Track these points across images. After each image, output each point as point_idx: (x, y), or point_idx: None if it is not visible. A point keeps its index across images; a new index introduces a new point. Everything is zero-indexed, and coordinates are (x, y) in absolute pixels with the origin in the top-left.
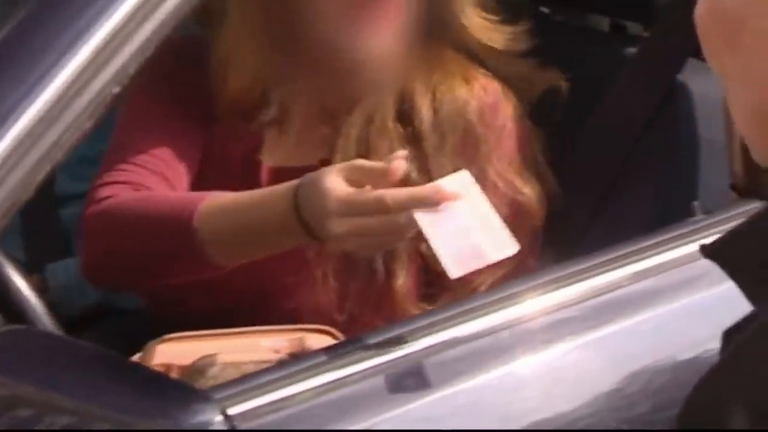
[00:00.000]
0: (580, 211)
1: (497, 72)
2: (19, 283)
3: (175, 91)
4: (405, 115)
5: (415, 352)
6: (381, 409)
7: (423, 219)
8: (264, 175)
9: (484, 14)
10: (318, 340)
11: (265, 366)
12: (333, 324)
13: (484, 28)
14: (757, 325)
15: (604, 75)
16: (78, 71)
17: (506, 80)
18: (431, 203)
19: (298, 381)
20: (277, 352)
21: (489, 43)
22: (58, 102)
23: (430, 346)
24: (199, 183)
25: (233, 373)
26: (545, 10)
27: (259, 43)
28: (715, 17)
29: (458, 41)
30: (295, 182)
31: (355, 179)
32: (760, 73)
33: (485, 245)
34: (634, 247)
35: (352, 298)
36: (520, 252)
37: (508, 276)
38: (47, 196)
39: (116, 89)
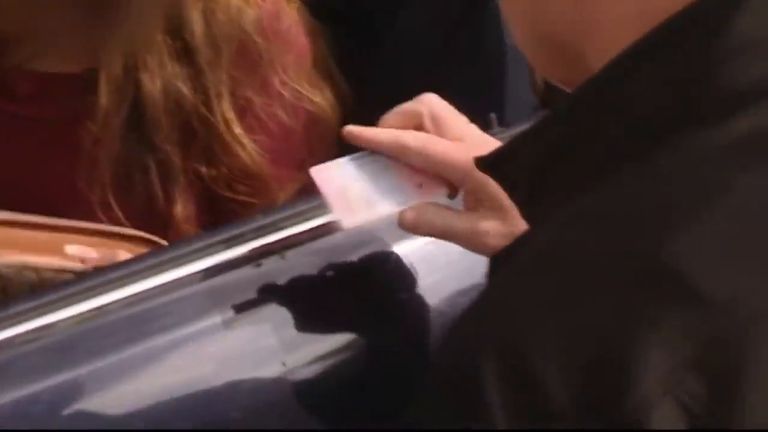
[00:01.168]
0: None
1: None
2: None
3: None
4: (176, 28)
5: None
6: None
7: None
8: (16, 81)
9: None
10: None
11: (65, 277)
12: None
13: None
14: (517, 244)
15: None
16: None
17: None
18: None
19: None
20: (82, 262)
21: None
22: None
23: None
24: None
25: (29, 280)
26: None
27: None
28: None
29: None
30: None
31: None
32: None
33: (376, 197)
34: None
35: (130, 224)
36: (316, 162)
37: (305, 190)
38: None
39: None
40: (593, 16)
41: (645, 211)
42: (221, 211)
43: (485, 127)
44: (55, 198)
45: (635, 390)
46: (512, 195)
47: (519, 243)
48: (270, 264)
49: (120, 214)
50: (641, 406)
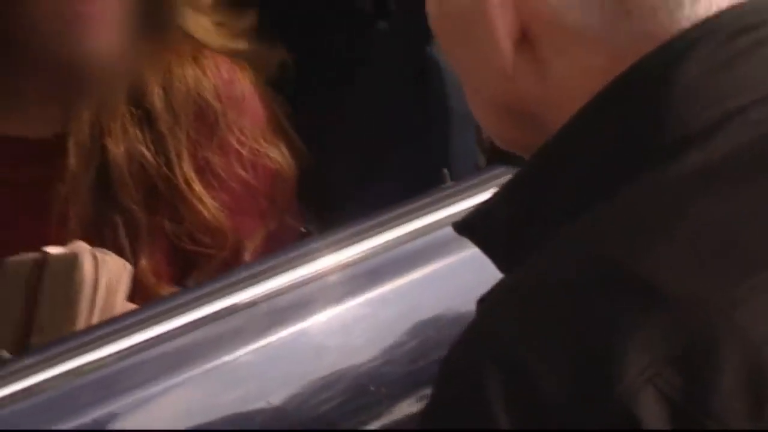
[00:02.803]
0: (341, 179)
1: (228, 51)
2: None
3: None
4: (137, 98)
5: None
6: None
7: None
8: None
9: (216, 21)
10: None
11: None
12: None
13: (204, 29)
14: (497, 286)
15: (364, 50)
16: None
17: (239, 58)
18: None
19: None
20: None
21: (206, 42)
22: None
23: (211, 314)
24: None
25: None
26: None
27: None
28: (443, 20)
29: (179, 38)
30: None
31: None
32: (488, 69)
33: None
34: (391, 214)
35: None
36: (278, 212)
37: (271, 239)
38: None
39: None
40: (555, 90)
41: (616, 235)
42: (188, 262)
43: (439, 181)
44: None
45: (620, 382)
46: (488, 254)
47: (497, 287)
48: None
49: None
50: (627, 395)
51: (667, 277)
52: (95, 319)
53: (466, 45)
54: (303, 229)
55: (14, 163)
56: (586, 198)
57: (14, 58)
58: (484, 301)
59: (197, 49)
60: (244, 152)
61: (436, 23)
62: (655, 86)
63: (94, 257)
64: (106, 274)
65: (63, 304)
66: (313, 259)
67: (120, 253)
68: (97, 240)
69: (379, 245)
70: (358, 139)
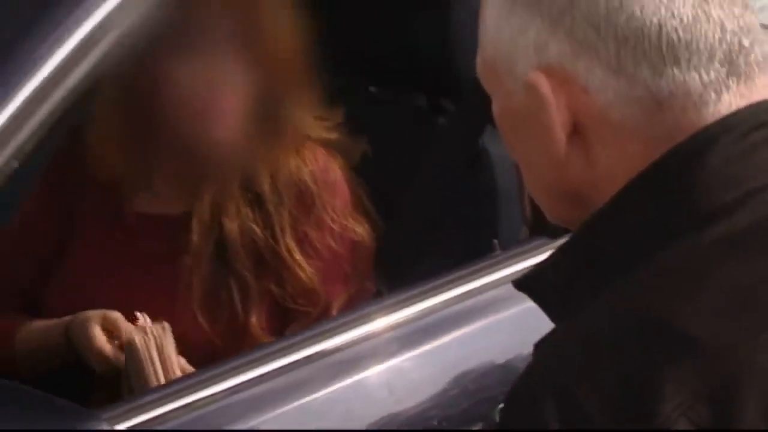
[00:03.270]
0: (407, 248)
1: (323, 142)
2: None
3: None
4: (249, 182)
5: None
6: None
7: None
8: (132, 220)
9: (315, 116)
10: None
11: None
12: (200, 356)
13: (306, 124)
14: (552, 333)
15: (426, 141)
16: None
17: (332, 147)
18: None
19: (173, 400)
20: None
21: (307, 134)
22: None
23: (290, 364)
24: (73, 239)
25: None
26: (373, 89)
27: (122, 133)
28: (506, 117)
29: (286, 132)
30: (66, 320)
31: (109, 327)
32: (545, 159)
33: None
34: (450, 277)
35: (217, 334)
36: (359, 277)
37: (351, 299)
38: None
39: (15, 164)
40: (601, 173)
41: (655, 293)
42: (287, 318)
43: (490, 250)
44: (152, 315)
45: (659, 413)
46: (542, 306)
47: (551, 333)
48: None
49: (206, 325)
50: (664, 425)
51: (697, 328)
52: (158, 371)
53: (526, 138)
54: (376, 290)
55: (152, 236)
56: (628, 261)
57: (155, 144)
58: (540, 346)
59: (299, 139)
60: (335, 227)
61: (500, 120)
62: (685, 170)
63: (143, 331)
64: (153, 339)
65: (136, 372)
66: (385, 314)
67: (233, 311)
68: (214, 301)
69: (440, 303)
70: (422, 215)
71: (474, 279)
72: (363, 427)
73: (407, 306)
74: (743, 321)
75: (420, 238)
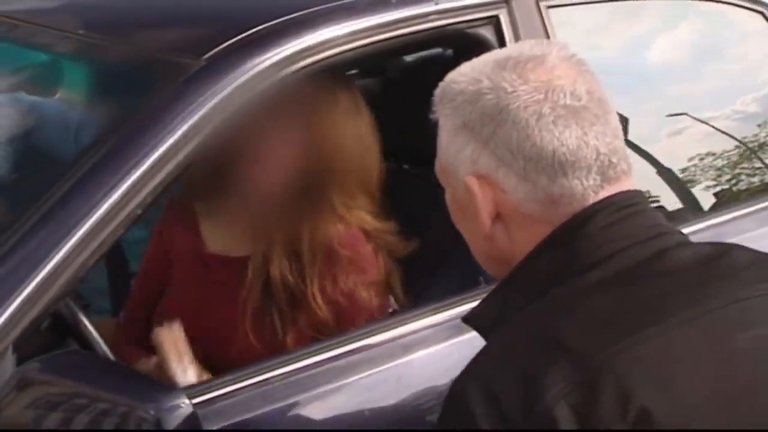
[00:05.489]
0: (418, 279)
1: (365, 228)
2: (86, 322)
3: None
4: (291, 240)
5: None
6: (300, 393)
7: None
8: (212, 259)
9: (359, 205)
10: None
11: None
12: (248, 364)
13: (355, 220)
14: (483, 347)
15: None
16: (112, 207)
17: (373, 236)
18: None
19: (243, 379)
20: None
21: (345, 217)
22: (105, 219)
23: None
24: (180, 274)
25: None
26: (406, 166)
27: (206, 197)
28: (453, 204)
29: (330, 209)
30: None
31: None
32: (477, 234)
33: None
34: (448, 301)
35: (262, 348)
36: (356, 322)
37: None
38: (121, 258)
39: (138, 211)
40: (517, 245)
41: (546, 316)
42: (309, 340)
43: (477, 284)
44: (218, 333)
45: (544, 399)
46: (483, 337)
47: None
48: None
49: (255, 342)
50: (547, 407)
51: (572, 340)
52: (173, 356)
53: (465, 219)
54: (391, 310)
55: (223, 272)
56: (533, 296)
57: (227, 206)
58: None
59: (336, 217)
60: (344, 288)
61: (450, 205)
62: (571, 237)
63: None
64: (167, 334)
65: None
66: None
67: (274, 332)
68: (260, 324)
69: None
70: (435, 269)
71: (463, 304)
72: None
73: (419, 318)
74: (604, 334)
75: (429, 272)
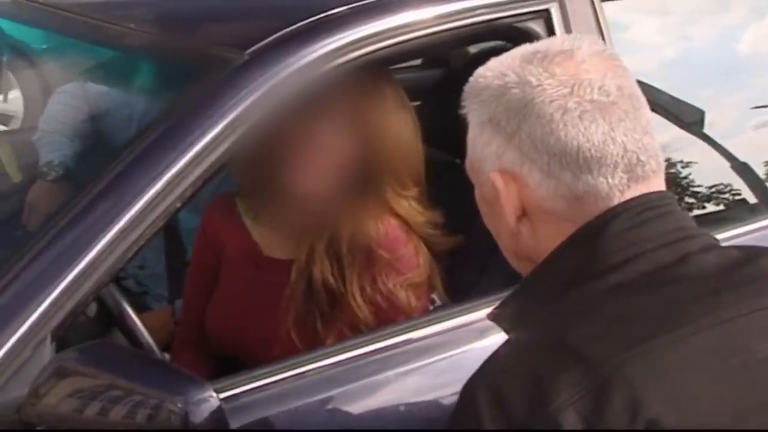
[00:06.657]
0: (466, 277)
1: (411, 221)
2: (130, 311)
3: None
4: (333, 241)
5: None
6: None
7: None
8: (261, 261)
9: (410, 194)
10: None
11: None
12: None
13: (402, 206)
14: (502, 344)
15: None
16: (152, 199)
17: (416, 230)
18: None
19: (270, 375)
20: None
21: (407, 219)
22: (143, 213)
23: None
24: (228, 273)
25: None
26: (458, 161)
27: (256, 201)
28: (481, 200)
29: (373, 207)
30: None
31: None
32: (504, 232)
33: None
34: (487, 299)
35: (303, 346)
36: (393, 319)
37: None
38: (179, 244)
39: (178, 204)
40: (542, 242)
41: (562, 320)
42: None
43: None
44: (261, 333)
45: (551, 405)
46: (507, 333)
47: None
48: None
49: (297, 342)
50: (556, 412)
51: (584, 347)
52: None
53: (492, 216)
54: (431, 307)
55: (270, 273)
56: (551, 298)
57: (275, 208)
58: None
59: (380, 212)
60: (383, 289)
61: (478, 202)
62: (593, 238)
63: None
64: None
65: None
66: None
67: (315, 331)
68: (302, 323)
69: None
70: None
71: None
72: None
73: (463, 313)
74: (618, 341)
75: (475, 275)
